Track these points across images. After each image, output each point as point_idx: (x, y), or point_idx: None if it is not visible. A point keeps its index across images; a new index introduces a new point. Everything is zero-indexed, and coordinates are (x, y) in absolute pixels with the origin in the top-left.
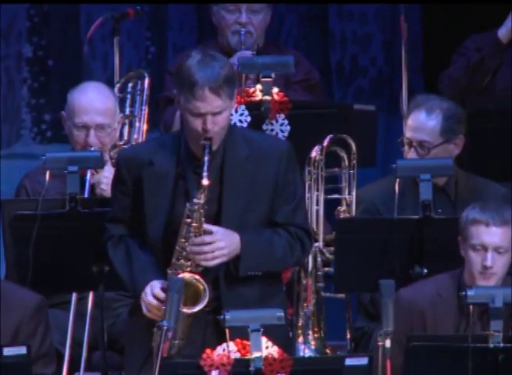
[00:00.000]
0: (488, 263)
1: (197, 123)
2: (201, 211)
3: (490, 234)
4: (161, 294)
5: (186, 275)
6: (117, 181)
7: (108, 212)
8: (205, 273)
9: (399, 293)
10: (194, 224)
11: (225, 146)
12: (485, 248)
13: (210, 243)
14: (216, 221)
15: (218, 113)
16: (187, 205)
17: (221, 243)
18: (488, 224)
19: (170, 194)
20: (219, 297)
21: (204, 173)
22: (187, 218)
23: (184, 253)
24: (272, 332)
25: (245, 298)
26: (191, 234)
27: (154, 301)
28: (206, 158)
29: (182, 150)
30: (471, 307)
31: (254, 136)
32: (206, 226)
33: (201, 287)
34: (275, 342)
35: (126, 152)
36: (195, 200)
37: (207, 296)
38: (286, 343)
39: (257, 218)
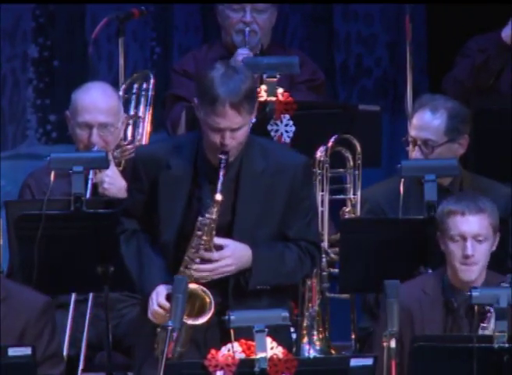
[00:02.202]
0: (469, 252)
1: (216, 137)
2: (212, 226)
3: (467, 223)
4: (166, 304)
5: (194, 286)
6: (133, 178)
7: (123, 205)
8: (214, 282)
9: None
10: (205, 238)
11: (242, 157)
12: (463, 238)
13: (218, 260)
14: (228, 232)
15: (237, 129)
16: (199, 218)
17: (228, 260)
18: (464, 213)
19: (185, 199)
20: (225, 302)
21: (218, 189)
22: (198, 230)
23: (193, 264)
24: (274, 333)
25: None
26: (201, 246)
27: (160, 310)
28: (222, 173)
29: (199, 156)
30: (475, 307)
31: (271, 148)
32: (217, 241)
33: (207, 298)
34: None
35: (144, 150)
36: (207, 215)
37: (212, 308)
38: (288, 345)
39: (269, 231)
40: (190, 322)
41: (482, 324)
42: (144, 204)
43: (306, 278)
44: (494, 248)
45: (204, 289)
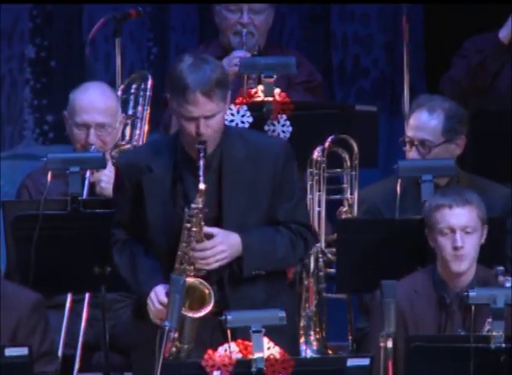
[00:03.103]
0: (458, 244)
1: (191, 127)
2: (200, 216)
3: (455, 216)
4: (166, 301)
5: (191, 279)
6: (117, 187)
7: (114, 217)
8: (209, 275)
9: (375, 294)
10: (194, 229)
11: (222, 147)
12: (452, 230)
13: (211, 248)
14: (217, 223)
15: (211, 116)
16: (186, 210)
17: (222, 246)
18: (451, 206)
19: (170, 198)
20: (225, 299)
21: (201, 178)
22: (187, 223)
23: (186, 257)
24: (277, 331)
25: (251, 299)
26: (192, 239)
27: (162, 308)
28: (201, 162)
29: (178, 153)
30: (472, 307)
31: (250, 135)
32: (206, 230)
33: (206, 290)
34: (279, 341)
35: (125, 158)
36: (193, 205)
37: (212, 299)
38: (291, 341)
39: (258, 218)
40: (192, 314)
41: (488, 320)
42: (132, 211)
43: (300, 261)
44: (483, 241)
45: (202, 281)
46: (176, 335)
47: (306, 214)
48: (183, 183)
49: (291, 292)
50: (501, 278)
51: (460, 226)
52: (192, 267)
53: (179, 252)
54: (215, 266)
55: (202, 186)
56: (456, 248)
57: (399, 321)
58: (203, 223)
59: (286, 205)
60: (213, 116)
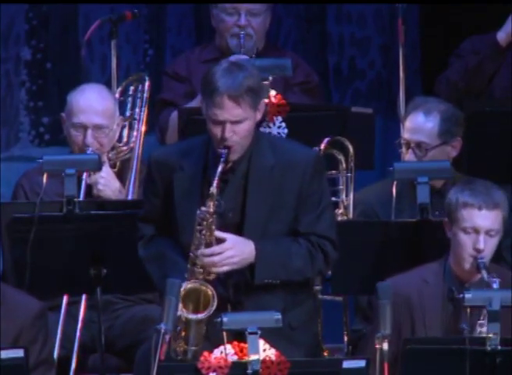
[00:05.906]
0: (481, 246)
1: (217, 131)
2: (211, 220)
3: (482, 218)
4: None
5: (194, 284)
6: (148, 182)
7: (141, 210)
8: (226, 279)
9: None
10: (205, 232)
11: (251, 154)
12: (476, 231)
13: (220, 253)
14: (239, 229)
15: (237, 122)
16: (197, 212)
17: (231, 252)
18: (480, 208)
19: (198, 199)
20: (241, 302)
21: (214, 182)
22: (198, 225)
23: (197, 259)
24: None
25: (267, 307)
26: (202, 242)
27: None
28: (220, 167)
29: (210, 155)
30: (468, 310)
31: (281, 144)
32: (218, 234)
33: (210, 292)
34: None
35: (157, 154)
36: (203, 208)
37: (215, 300)
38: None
39: (280, 227)
40: (194, 316)
41: (480, 321)
42: (161, 207)
43: (319, 274)
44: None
45: (206, 283)
46: (183, 335)
47: (329, 227)
48: (209, 185)
49: (313, 305)
50: (485, 275)
51: (486, 229)
52: (202, 269)
53: (191, 254)
54: (223, 269)
55: (214, 190)
56: (478, 250)
57: (405, 309)
58: (213, 228)
59: (308, 216)
60: (240, 122)
